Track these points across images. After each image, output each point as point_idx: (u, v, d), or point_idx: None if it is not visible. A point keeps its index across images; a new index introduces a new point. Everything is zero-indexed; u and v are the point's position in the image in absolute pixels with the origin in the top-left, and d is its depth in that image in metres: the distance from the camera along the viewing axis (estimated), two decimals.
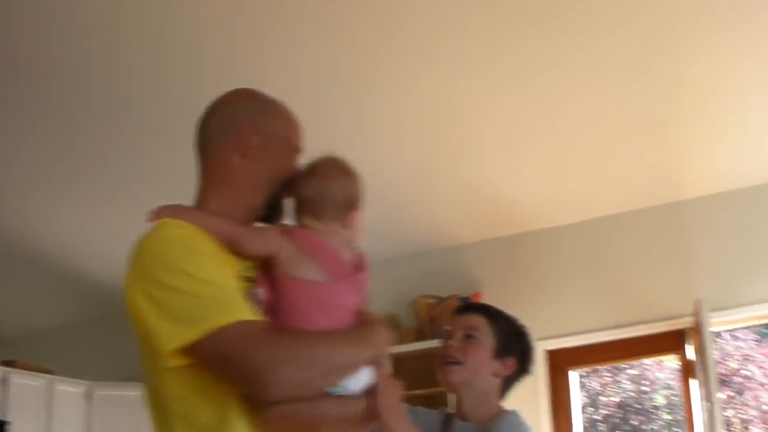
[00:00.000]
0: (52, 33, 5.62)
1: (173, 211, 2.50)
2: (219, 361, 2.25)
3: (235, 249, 2.47)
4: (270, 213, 2.65)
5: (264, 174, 2.64)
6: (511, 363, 3.54)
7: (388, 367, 2.66)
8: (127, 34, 5.67)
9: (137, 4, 5.37)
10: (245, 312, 2.29)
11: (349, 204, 2.72)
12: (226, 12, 5.38)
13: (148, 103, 6.33)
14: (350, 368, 2.41)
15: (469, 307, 3.78)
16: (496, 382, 3.53)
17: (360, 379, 2.48)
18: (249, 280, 2.48)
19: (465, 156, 6.91)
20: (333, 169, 2.76)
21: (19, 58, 5.81)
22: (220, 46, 5.72)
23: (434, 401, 7.79)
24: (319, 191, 2.66)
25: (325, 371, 2.34)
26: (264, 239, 2.52)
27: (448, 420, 3.62)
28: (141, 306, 2.30)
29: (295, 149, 2.75)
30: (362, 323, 2.54)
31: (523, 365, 3.61)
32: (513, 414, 3.47)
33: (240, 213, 2.59)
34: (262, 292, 2.47)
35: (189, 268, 2.30)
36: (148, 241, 2.40)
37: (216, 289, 2.29)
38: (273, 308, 2.46)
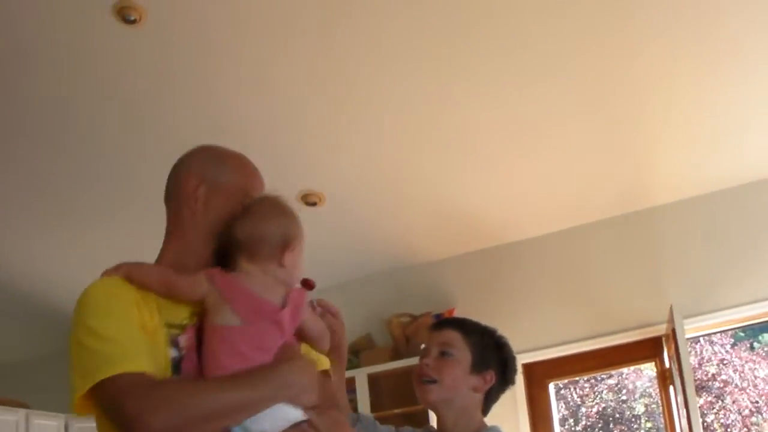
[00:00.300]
0: (28, 72, 5.63)
1: (115, 268, 2.59)
2: (103, 411, 2.40)
3: (174, 297, 2.56)
4: (222, 261, 2.69)
5: (211, 223, 2.71)
6: (489, 376, 3.45)
7: (338, 406, 2.69)
8: (100, 75, 5.69)
9: (108, 47, 5.38)
10: (131, 365, 2.37)
11: (284, 244, 2.74)
12: (196, 37, 5.39)
13: (123, 140, 6.36)
14: (242, 410, 2.41)
15: (444, 323, 3.70)
16: (477, 397, 3.45)
17: (274, 419, 2.47)
18: (180, 327, 2.56)
19: (434, 171, 6.92)
20: (268, 208, 2.77)
21: None
22: (191, 76, 5.74)
23: (412, 419, 7.78)
24: (252, 232, 2.68)
25: (202, 416, 2.36)
26: (192, 286, 2.57)
27: None
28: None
29: (244, 195, 2.79)
30: (274, 363, 2.52)
31: (504, 377, 3.54)
32: (494, 429, 3.42)
33: (192, 263, 2.66)
34: (184, 338, 2.53)
35: (93, 324, 2.44)
36: (79, 297, 2.56)
37: (110, 345, 2.40)
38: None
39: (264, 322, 2.56)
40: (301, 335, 2.70)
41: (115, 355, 2.39)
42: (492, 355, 3.52)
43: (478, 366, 3.43)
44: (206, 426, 2.36)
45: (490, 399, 3.50)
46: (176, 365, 2.50)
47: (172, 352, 2.51)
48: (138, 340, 2.44)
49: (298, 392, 2.49)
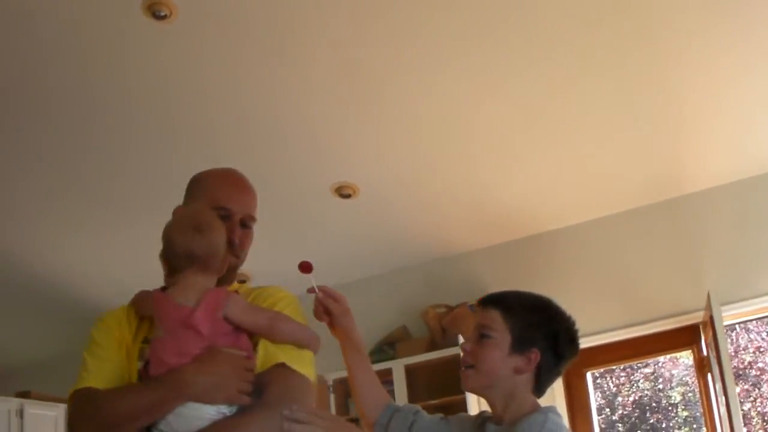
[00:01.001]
0: (58, 68, 5.64)
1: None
2: None
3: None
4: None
5: None
6: (534, 355, 3.16)
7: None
8: (131, 71, 5.70)
9: (138, 43, 5.39)
10: (90, 381, 2.77)
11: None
12: (227, 31, 5.39)
13: (154, 135, 6.37)
14: (146, 412, 2.62)
15: (487, 300, 3.35)
16: (523, 378, 3.18)
17: (188, 419, 2.61)
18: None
19: (468, 163, 6.90)
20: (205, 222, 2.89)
21: (32, 90, 5.84)
22: (222, 71, 5.75)
23: (449, 410, 7.78)
24: (209, 246, 2.83)
25: (115, 420, 2.65)
26: (145, 308, 2.88)
27: (482, 424, 3.36)
28: None
29: (214, 195, 3.00)
30: (180, 366, 2.66)
31: (555, 352, 3.24)
32: (541, 413, 3.13)
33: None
34: (147, 351, 2.77)
35: (88, 345, 2.88)
36: None
37: (89, 361, 2.83)
38: None
39: (183, 330, 2.69)
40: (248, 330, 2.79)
41: (88, 371, 2.80)
42: (537, 332, 3.24)
43: (519, 345, 3.17)
44: (121, 428, 2.64)
45: (543, 378, 3.23)
46: (141, 374, 2.76)
47: (140, 364, 2.80)
48: (103, 361, 2.81)
49: (200, 391, 2.60)
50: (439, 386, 7.88)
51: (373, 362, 8.14)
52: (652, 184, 7.31)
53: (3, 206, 7.16)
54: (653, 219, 7.56)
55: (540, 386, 3.25)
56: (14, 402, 8.39)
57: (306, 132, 6.43)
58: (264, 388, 2.70)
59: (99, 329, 2.90)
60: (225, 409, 2.64)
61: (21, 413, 8.33)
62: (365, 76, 5.90)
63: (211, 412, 2.61)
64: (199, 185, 3.07)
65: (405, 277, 8.55)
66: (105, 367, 2.81)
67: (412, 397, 7.83)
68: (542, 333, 3.26)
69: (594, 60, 5.82)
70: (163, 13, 5.17)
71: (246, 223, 3.01)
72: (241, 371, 2.67)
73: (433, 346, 8.01)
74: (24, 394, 8.56)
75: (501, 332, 3.20)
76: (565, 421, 7.51)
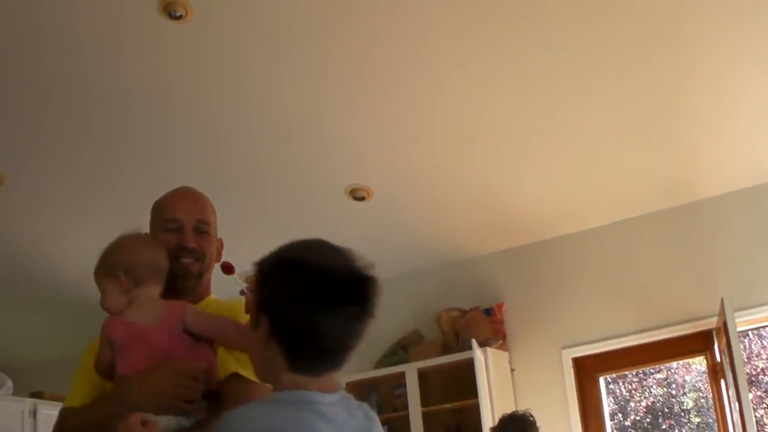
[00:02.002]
0: (73, 66, 5.66)
1: None
2: None
3: None
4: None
5: None
6: None
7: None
8: (147, 70, 5.71)
9: (154, 43, 5.40)
10: (69, 401, 2.97)
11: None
12: (242, 31, 5.40)
13: (167, 133, 6.38)
14: (101, 426, 2.65)
15: None
16: None
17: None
18: None
19: (481, 167, 6.90)
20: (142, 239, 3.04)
21: (41, 87, 5.84)
22: (237, 71, 5.75)
23: (462, 414, 7.80)
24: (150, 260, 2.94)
25: None
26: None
27: None
28: None
29: (161, 226, 3.06)
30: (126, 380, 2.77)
31: None
32: None
33: None
34: None
35: (76, 368, 3.07)
36: None
37: (73, 383, 3.01)
38: None
39: (135, 344, 2.76)
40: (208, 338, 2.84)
41: (71, 389, 2.99)
42: None
43: None
44: None
45: None
46: None
47: None
48: (85, 383, 2.95)
49: (140, 401, 2.65)
50: (452, 390, 7.88)
51: (386, 365, 8.22)
52: (665, 190, 7.30)
53: (20, 207, 7.18)
54: (667, 224, 7.55)
55: None
56: (28, 402, 8.41)
57: (319, 134, 6.44)
58: (221, 399, 2.73)
59: (86, 352, 3.02)
60: (185, 421, 2.66)
61: (34, 413, 8.35)
62: (379, 78, 5.90)
63: (165, 423, 2.63)
64: (154, 210, 3.15)
65: (418, 281, 8.54)
66: (85, 387, 2.95)
67: (425, 401, 7.83)
68: None
69: (609, 65, 5.82)
70: (178, 14, 5.19)
71: (200, 228, 3.04)
72: (184, 380, 2.68)
73: (446, 349, 8.01)
74: (37, 395, 8.58)
75: None
76: (578, 425, 7.53)
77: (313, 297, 2.21)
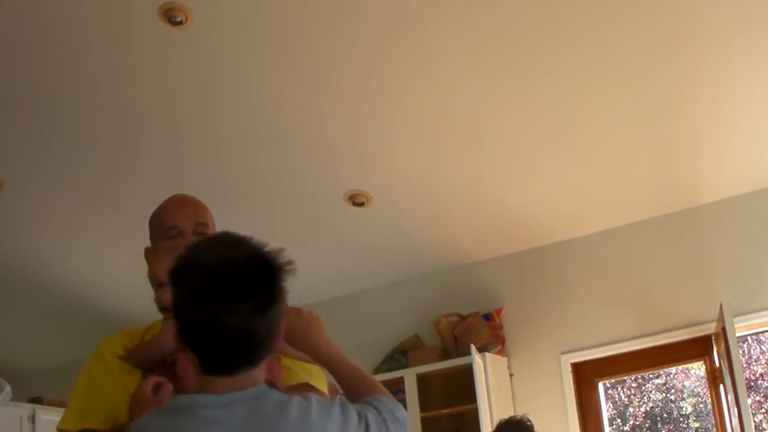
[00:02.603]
0: (73, 72, 5.67)
1: None
2: None
3: None
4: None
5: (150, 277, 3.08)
6: None
7: None
8: (146, 76, 5.72)
9: (154, 48, 5.41)
10: (68, 424, 2.91)
11: None
12: (242, 37, 5.40)
13: (167, 139, 6.38)
14: None
15: None
16: None
17: None
18: None
19: (478, 172, 6.91)
20: None
21: (43, 95, 5.86)
22: (237, 77, 5.76)
23: (461, 419, 7.80)
24: None
25: None
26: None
27: None
28: None
29: (162, 235, 3.09)
30: None
31: None
32: None
33: None
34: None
35: (76, 384, 3.00)
36: None
37: (71, 400, 2.97)
38: None
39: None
40: None
41: (68, 410, 2.93)
42: None
43: None
44: None
45: None
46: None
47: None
48: (85, 399, 2.92)
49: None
50: (451, 395, 7.88)
51: (385, 371, 8.22)
52: (664, 195, 7.30)
53: (19, 213, 7.18)
54: (666, 229, 7.55)
55: None
56: (26, 408, 8.40)
57: (319, 139, 6.44)
58: None
59: (93, 362, 3.01)
60: None
61: (33, 419, 8.34)
62: (378, 84, 5.91)
63: None
64: (151, 222, 3.17)
65: (418, 286, 8.55)
66: (89, 408, 2.91)
67: (424, 406, 7.83)
68: None
69: (609, 71, 5.82)
70: (179, 19, 5.19)
71: (199, 231, 3.04)
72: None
73: (445, 355, 8.01)
74: (36, 400, 8.57)
75: None
76: (577, 431, 7.53)
77: (205, 295, 2.19)
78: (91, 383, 2.94)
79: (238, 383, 2.22)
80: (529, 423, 5.96)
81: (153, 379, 2.62)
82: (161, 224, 3.07)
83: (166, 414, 2.27)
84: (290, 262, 2.32)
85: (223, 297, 2.17)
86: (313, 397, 2.27)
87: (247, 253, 2.25)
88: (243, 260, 2.22)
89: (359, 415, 2.30)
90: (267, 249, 2.30)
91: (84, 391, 2.95)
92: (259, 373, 2.27)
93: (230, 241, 2.30)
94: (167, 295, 2.47)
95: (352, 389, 2.52)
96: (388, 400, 2.43)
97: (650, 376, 13.09)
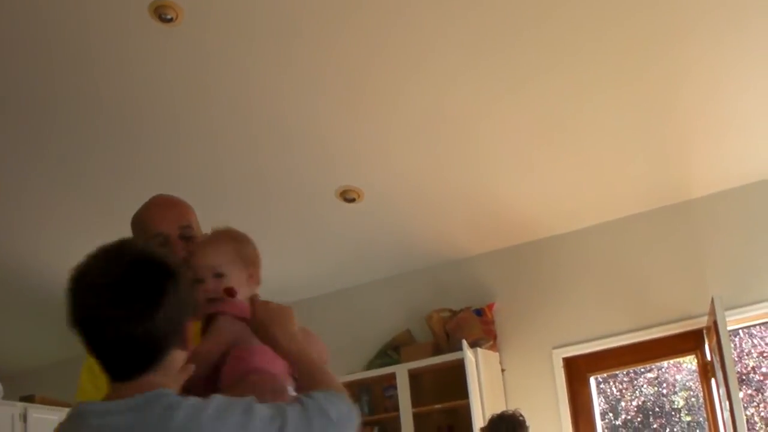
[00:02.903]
0: (64, 70, 5.65)
1: None
2: None
3: None
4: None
5: None
6: None
7: None
8: (137, 74, 5.70)
9: (144, 46, 5.39)
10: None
11: None
12: (233, 35, 5.40)
13: (160, 137, 6.38)
14: None
15: None
16: None
17: None
18: None
19: (469, 167, 6.91)
20: None
21: (37, 94, 5.84)
22: (228, 75, 5.75)
23: (453, 415, 7.80)
24: None
25: None
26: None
27: None
28: None
29: (146, 228, 3.04)
30: None
31: None
32: None
33: None
34: None
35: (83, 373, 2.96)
36: None
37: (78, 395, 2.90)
38: None
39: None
40: None
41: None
42: None
43: None
44: None
45: None
46: None
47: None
48: (102, 389, 2.62)
49: None
50: (443, 391, 7.88)
51: (377, 366, 8.23)
52: (656, 189, 7.32)
53: (10, 211, 7.17)
54: (657, 224, 7.56)
55: None
56: (18, 406, 8.37)
57: (311, 136, 6.43)
58: None
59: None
60: None
61: (24, 417, 8.32)
62: (371, 81, 5.91)
63: None
64: (134, 226, 3.14)
65: (410, 282, 8.55)
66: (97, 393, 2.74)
67: (416, 402, 7.84)
68: None
69: (604, 68, 5.83)
70: (169, 17, 5.17)
71: (185, 234, 3.00)
72: None
73: (437, 350, 8.02)
74: (28, 398, 8.55)
75: None
76: (569, 425, 7.54)
77: (84, 307, 2.29)
78: (92, 375, 2.87)
79: (136, 388, 2.24)
80: (521, 418, 5.96)
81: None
82: (145, 232, 3.02)
83: (69, 419, 2.35)
84: (183, 264, 2.40)
85: (98, 308, 2.24)
86: (216, 400, 2.25)
87: (126, 264, 2.27)
88: (120, 271, 2.25)
89: (273, 416, 2.26)
90: (154, 255, 2.32)
91: (88, 382, 2.91)
92: (161, 376, 2.27)
93: (115, 253, 2.33)
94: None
95: (303, 385, 2.51)
96: (323, 396, 2.37)
97: (642, 370, 13.09)
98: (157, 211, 3.08)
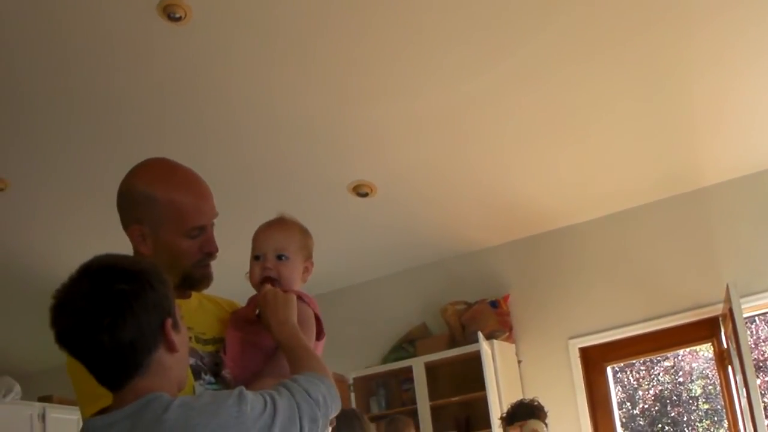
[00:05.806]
0: (72, 68, 5.65)
1: None
2: None
3: None
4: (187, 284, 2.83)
5: (162, 258, 2.78)
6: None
7: None
8: (145, 72, 5.70)
9: (153, 45, 5.39)
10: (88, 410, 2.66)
11: None
12: (241, 33, 5.40)
13: (167, 136, 6.37)
14: None
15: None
16: None
17: None
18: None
19: (481, 159, 6.90)
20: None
21: (51, 95, 5.85)
22: (237, 72, 5.74)
23: (470, 407, 7.81)
24: None
25: None
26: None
27: None
28: None
29: (184, 218, 2.90)
30: None
31: None
32: None
33: None
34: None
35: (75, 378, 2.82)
36: None
37: (80, 393, 2.79)
38: None
39: None
40: None
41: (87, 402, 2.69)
42: None
43: None
44: None
45: None
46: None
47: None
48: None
49: None
50: (459, 383, 7.89)
51: (393, 360, 8.23)
52: (669, 178, 7.30)
53: (26, 212, 7.18)
54: (671, 213, 7.55)
55: None
56: (37, 406, 8.42)
57: (323, 131, 6.43)
58: None
59: None
60: None
61: (43, 417, 8.36)
62: (382, 75, 5.90)
63: None
64: (156, 207, 3.03)
65: (424, 275, 8.56)
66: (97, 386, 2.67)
67: (433, 395, 7.85)
68: None
69: (612, 57, 5.81)
70: (177, 15, 5.17)
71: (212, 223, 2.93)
72: None
73: (453, 343, 8.02)
74: (46, 399, 8.59)
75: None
76: (586, 415, 7.54)
77: (59, 324, 2.40)
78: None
79: (131, 395, 2.29)
80: (538, 404, 5.97)
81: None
82: (185, 222, 2.89)
83: None
84: (154, 275, 2.40)
85: (72, 326, 2.33)
86: (205, 396, 2.31)
87: (91, 279, 2.37)
88: (86, 287, 2.35)
89: (266, 403, 2.29)
90: (116, 265, 2.42)
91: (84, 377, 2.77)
92: (152, 379, 2.31)
93: (83, 270, 2.44)
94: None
95: (290, 368, 2.57)
96: (304, 379, 2.42)
97: (659, 359, 13.10)
98: (202, 200, 3.02)
